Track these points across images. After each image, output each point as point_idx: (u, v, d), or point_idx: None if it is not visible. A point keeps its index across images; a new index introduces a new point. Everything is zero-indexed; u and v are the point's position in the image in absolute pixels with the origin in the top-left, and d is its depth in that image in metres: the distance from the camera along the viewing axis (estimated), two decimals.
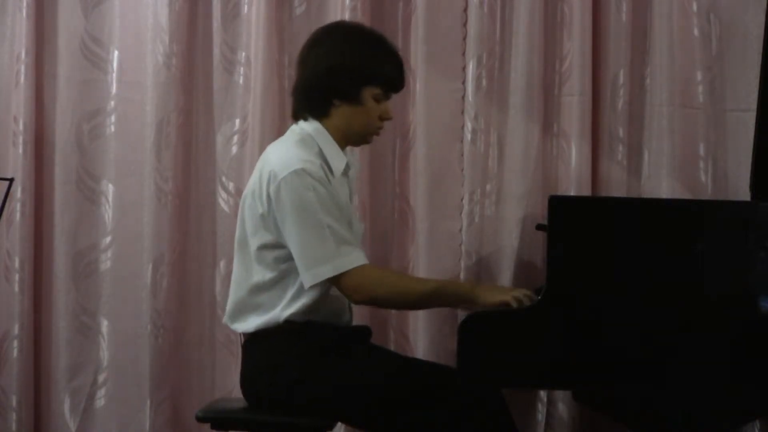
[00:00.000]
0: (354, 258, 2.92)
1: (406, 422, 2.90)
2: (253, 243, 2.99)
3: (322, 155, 3.00)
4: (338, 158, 3.03)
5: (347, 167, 3.07)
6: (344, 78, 3.00)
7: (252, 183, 3.04)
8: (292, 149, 2.99)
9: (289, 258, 2.94)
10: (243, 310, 3.04)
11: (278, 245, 2.96)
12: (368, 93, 3.02)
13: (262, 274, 2.99)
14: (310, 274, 2.90)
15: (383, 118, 3.08)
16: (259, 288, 3.00)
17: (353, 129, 3.05)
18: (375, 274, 2.97)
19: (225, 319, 3.11)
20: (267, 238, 2.97)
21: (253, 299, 3.02)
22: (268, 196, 2.94)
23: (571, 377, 2.85)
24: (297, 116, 3.10)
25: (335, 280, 2.91)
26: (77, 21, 3.74)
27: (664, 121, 3.62)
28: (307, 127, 3.05)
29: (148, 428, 3.71)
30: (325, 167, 2.98)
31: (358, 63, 3.00)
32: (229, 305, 3.09)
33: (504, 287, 3.10)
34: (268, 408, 3.00)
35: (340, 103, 3.02)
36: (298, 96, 3.09)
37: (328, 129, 3.03)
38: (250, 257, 3.01)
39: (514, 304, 2.88)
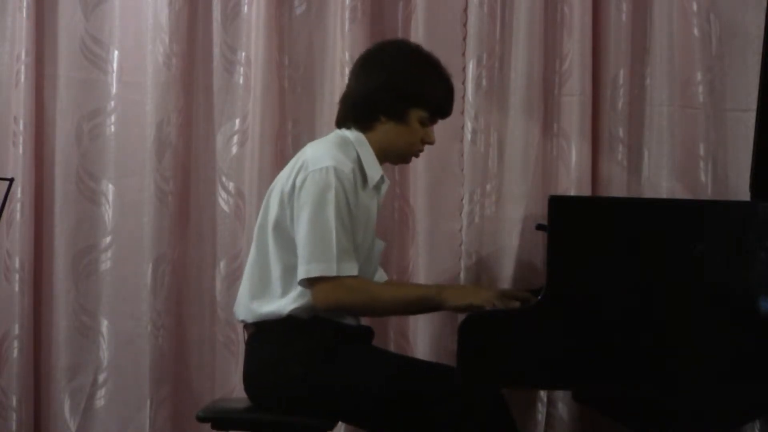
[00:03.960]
0: (346, 267, 2.92)
1: (407, 422, 2.91)
2: (270, 227, 3.01)
3: (359, 162, 3.02)
4: (375, 169, 3.05)
5: (381, 180, 3.08)
6: (394, 96, 3.03)
7: (283, 172, 3.07)
8: (330, 148, 3.01)
9: None
10: (252, 297, 3.05)
11: (288, 233, 2.97)
12: (415, 115, 3.05)
13: (275, 265, 3.00)
14: (305, 268, 2.92)
15: (425, 141, 3.11)
16: (272, 278, 3.01)
17: (394, 147, 3.08)
18: (349, 284, 2.95)
19: (235, 307, 3.12)
20: (281, 223, 2.99)
21: (263, 288, 3.03)
22: (293, 184, 2.96)
23: (571, 377, 2.85)
24: (340, 124, 3.11)
25: (314, 281, 2.92)
26: (77, 21, 3.74)
27: (664, 121, 3.62)
28: (349, 135, 3.07)
29: (148, 428, 3.70)
30: (359, 174, 3.00)
31: (410, 84, 3.03)
32: (240, 291, 3.10)
33: (476, 289, 3.09)
34: (269, 405, 3.00)
35: (386, 120, 3.05)
36: (345, 105, 3.11)
37: (369, 142, 3.06)
38: (267, 245, 3.02)
39: (488, 307, 2.89)
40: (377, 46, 3.19)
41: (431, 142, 3.14)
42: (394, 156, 3.12)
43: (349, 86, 3.14)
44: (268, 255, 3.02)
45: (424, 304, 3.05)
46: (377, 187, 3.08)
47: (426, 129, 3.10)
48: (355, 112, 3.07)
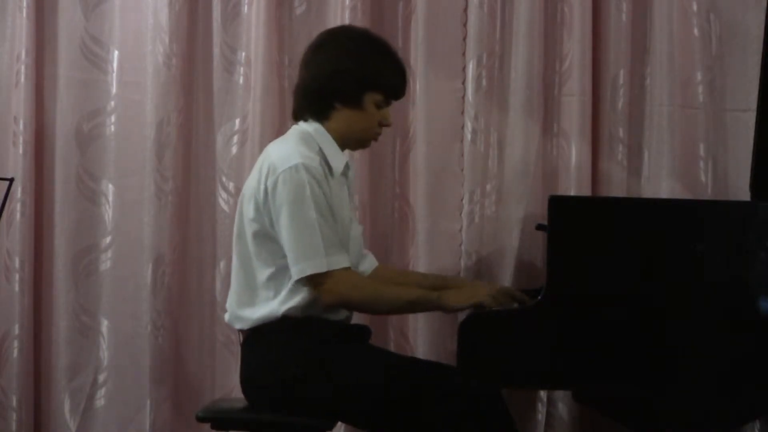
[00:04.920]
0: (336, 260, 2.93)
1: (406, 422, 2.90)
2: (249, 235, 3.01)
3: (322, 154, 3.02)
4: (338, 158, 3.05)
5: (346, 167, 3.08)
6: (347, 82, 3.02)
7: (251, 178, 3.06)
8: (293, 146, 3.01)
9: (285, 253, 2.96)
10: (242, 304, 3.05)
11: (270, 238, 2.97)
12: (370, 98, 3.05)
13: (261, 270, 3.00)
14: (297, 268, 2.92)
15: (383, 124, 3.11)
16: (259, 284, 3.01)
17: (352, 133, 3.07)
18: (352, 278, 2.97)
19: (226, 317, 3.12)
20: (260, 230, 2.98)
21: (251, 294, 3.03)
22: (266, 189, 2.96)
23: (571, 377, 2.85)
24: (297, 116, 3.12)
25: (313, 279, 2.92)
26: (77, 21, 3.74)
27: (664, 121, 3.62)
28: (308, 127, 3.07)
29: (148, 428, 3.70)
30: (325, 166, 3.00)
31: (362, 68, 3.03)
32: (229, 300, 3.10)
33: (474, 288, 3.07)
34: (268, 406, 3.00)
35: (342, 107, 3.04)
36: (299, 97, 3.10)
37: (328, 131, 3.06)
38: (248, 252, 3.02)
39: (489, 302, 2.89)
40: (325, 34, 3.18)
41: (388, 125, 3.13)
42: (353, 142, 3.12)
43: (301, 77, 3.12)
44: (251, 261, 3.02)
45: (425, 305, 3.07)
46: (344, 174, 3.09)
47: (382, 112, 3.09)
48: (310, 102, 3.06)
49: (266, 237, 2.98)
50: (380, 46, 3.10)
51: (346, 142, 3.09)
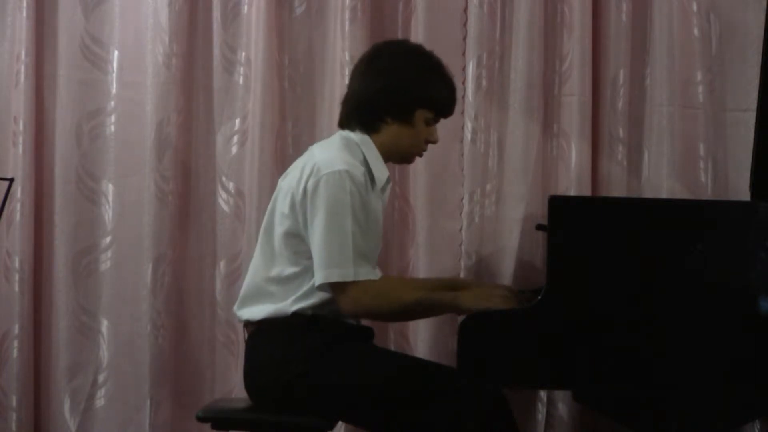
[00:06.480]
0: (364, 271, 2.93)
1: (407, 422, 2.91)
2: (278, 230, 3.01)
3: (366, 164, 3.02)
4: (382, 171, 3.05)
5: (387, 181, 3.08)
6: (401, 98, 3.03)
7: (290, 176, 3.05)
8: (339, 152, 3.01)
9: (311, 255, 2.96)
10: (255, 297, 3.05)
11: (299, 237, 2.97)
12: (420, 115, 3.06)
13: (282, 267, 3.00)
14: (322, 273, 2.91)
15: (429, 141, 3.12)
16: (276, 279, 3.01)
17: (399, 148, 3.08)
18: (374, 288, 2.96)
19: (235, 307, 3.11)
20: (291, 227, 2.98)
21: (267, 288, 3.03)
22: (305, 189, 2.95)
23: (571, 377, 2.85)
24: (344, 125, 3.10)
25: (336, 286, 2.92)
26: (77, 21, 3.74)
27: (664, 121, 3.62)
28: (354, 136, 3.06)
29: (148, 428, 3.71)
30: (368, 176, 3.00)
31: (416, 85, 3.03)
32: (243, 290, 3.10)
33: (488, 291, 3.07)
34: (269, 403, 3.00)
35: (392, 122, 3.05)
36: (350, 107, 3.09)
37: (374, 143, 3.05)
38: (273, 247, 3.03)
39: (501, 306, 2.89)
40: (379, 48, 3.18)
41: (435, 142, 3.14)
42: (398, 156, 3.12)
43: (351, 87, 3.12)
44: (275, 258, 3.02)
45: (442, 309, 3.07)
46: (382, 188, 3.08)
47: (429, 129, 3.10)
48: (360, 114, 3.06)
49: (296, 236, 2.98)
50: (434, 64, 3.10)
51: (390, 155, 3.09)
